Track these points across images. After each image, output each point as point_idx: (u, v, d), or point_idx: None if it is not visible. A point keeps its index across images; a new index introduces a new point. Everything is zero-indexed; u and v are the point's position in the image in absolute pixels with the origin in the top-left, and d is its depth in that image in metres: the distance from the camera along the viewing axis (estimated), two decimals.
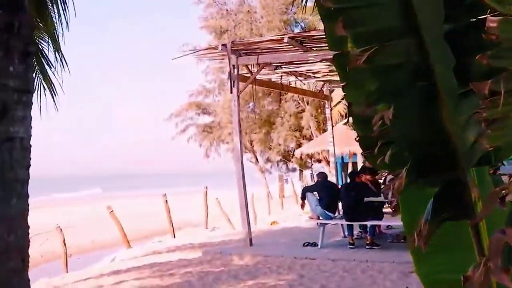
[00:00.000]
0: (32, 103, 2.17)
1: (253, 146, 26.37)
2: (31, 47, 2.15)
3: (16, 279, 2.06)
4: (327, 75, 12.48)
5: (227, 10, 25.04)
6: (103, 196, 46.73)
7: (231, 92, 9.95)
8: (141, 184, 73.40)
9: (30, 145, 2.15)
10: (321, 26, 16.06)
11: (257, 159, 27.67)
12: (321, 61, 10.45)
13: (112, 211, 12.14)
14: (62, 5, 5.33)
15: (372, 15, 1.36)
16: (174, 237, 13.53)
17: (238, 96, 9.93)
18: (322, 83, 13.99)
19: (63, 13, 5.33)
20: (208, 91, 28.17)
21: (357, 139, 1.58)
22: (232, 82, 9.82)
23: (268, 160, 27.96)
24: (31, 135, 2.16)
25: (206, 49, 10.73)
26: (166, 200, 13.82)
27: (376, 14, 1.36)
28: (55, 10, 5.35)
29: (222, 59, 10.59)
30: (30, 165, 2.14)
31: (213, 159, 28.35)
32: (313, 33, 9.78)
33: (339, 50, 1.43)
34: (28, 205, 2.14)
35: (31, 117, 2.16)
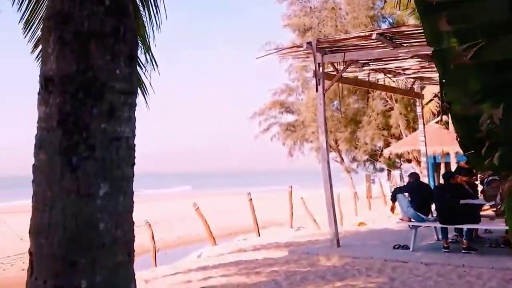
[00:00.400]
0: (136, 104, 2.29)
1: (338, 145, 26.03)
2: (135, 51, 2.28)
3: (123, 272, 2.19)
4: (418, 71, 12.02)
5: (310, 7, 24.95)
6: (192, 193, 48.48)
7: (317, 91, 9.86)
8: (227, 182, 75.24)
9: (135, 144, 2.28)
10: (410, 21, 15.54)
11: (342, 159, 27.29)
12: (412, 57, 10.08)
13: (197, 208, 12.49)
14: (154, 8, 5.61)
15: (479, 10, 1.30)
16: (259, 235, 13.66)
17: (324, 95, 9.83)
18: (412, 80, 13.49)
19: (154, 17, 5.61)
20: (291, 90, 28.27)
21: (457, 139, 1.51)
22: (318, 80, 9.74)
23: (354, 159, 27.48)
24: (135, 135, 2.28)
25: (291, 47, 10.74)
26: (251, 199, 14.04)
27: (482, 8, 1.30)
28: (146, 13, 5.62)
29: (307, 57, 10.55)
30: (134, 163, 2.27)
31: (296, 158, 28.41)
32: (403, 28, 9.45)
33: (439, 46, 1.37)
34: (133, 202, 2.27)
35: (135, 118, 2.29)
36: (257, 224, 13.84)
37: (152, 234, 10.91)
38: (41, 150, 2.15)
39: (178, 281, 7.67)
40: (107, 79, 2.14)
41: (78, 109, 2.09)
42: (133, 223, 2.26)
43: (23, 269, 12.87)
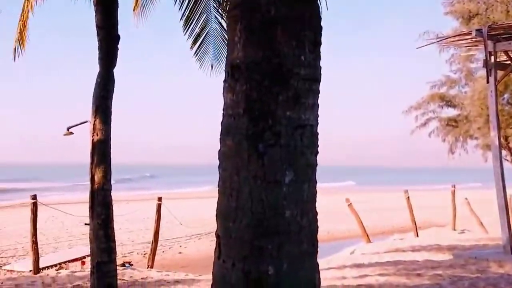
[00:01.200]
0: (319, 92, 2.24)
1: (508, 142, 23.49)
2: (320, 37, 2.22)
3: (308, 262, 2.15)
4: None
5: None
6: (354, 189, 47.99)
7: (488, 82, 9.06)
8: (388, 179, 72.95)
9: (318, 132, 2.22)
10: None
11: None
12: None
13: (350, 203, 12.33)
14: None
15: None
16: (417, 235, 13.05)
17: (496, 86, 8.97)
18: None
19: None
20: (452, 82, 26.29)
21: None
22: (489, 71, 8.90)
23: None
24: (319, 123, 2.23)
25: (456, 35, 9.94)
26: (408, 197, 13.41)
27: None
28: None
29: (475, 45, 9.70)
30: (318, 152, 2.21)
31: (458, 155, 26.39)
32: None
33: None
34: (317, 191, 2.22)
35: (318, 105, 2.23)
36: (415, 224, 13.21)
37: None
38: (227, 136, 2.20)
39: (332, 277, 7.62)
40: (292, 66, 2.11)
41: (264, 96, 2.10)
42: (317, 212, 2.20)
43: (180, 252, 13.96)
